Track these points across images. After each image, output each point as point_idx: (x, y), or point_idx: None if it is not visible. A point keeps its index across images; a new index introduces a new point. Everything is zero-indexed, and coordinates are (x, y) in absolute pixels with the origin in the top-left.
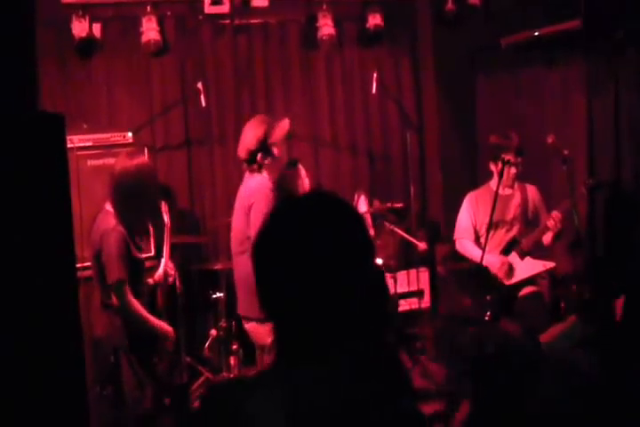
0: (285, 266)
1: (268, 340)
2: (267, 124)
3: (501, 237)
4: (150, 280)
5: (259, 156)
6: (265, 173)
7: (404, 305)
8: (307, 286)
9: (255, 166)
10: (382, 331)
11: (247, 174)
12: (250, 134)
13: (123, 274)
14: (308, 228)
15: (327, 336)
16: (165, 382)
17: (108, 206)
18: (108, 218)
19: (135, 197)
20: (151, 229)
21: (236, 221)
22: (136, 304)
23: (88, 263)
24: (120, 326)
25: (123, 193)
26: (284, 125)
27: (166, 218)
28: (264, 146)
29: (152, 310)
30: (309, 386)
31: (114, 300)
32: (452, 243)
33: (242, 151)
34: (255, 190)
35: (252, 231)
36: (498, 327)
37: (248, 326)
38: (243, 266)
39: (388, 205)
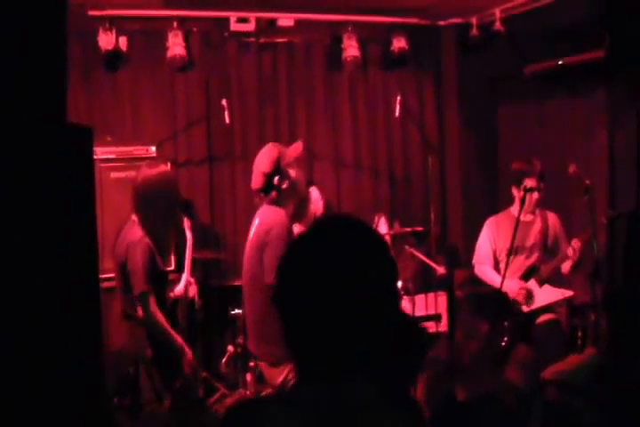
0: (307, 289)
1: (278, 380)
2: (279, 148)
3: (520, 263)
4: (171, 294)
5: (275, 179)
6: (280, 206)
7: None
8: (327, 309)
9: (272, 195)
10: (402, 355)
11: (263, 206)
12: (263, 159)
13: (148, 286)
14: (330, 252)
15: (344, 358)
16: (183, 396)
17: (135, 217)
18: (134, 229)
19: (157, 206)
20: (173, 242)
21: (249, 257)
22: (160, 316)
23: (107, 275)
24: (141, 337)
25: (145, 202)
26: (297, 147)
27: (188, 233)
28: (279, 169)
29: (172, 324)
30: (319, 407)
31: (138, 311)
32: (471, 268)
33: (257, 179)
34: (271, 229)
35: (267, 277)
36: (498, 379)
37: (260, 364)
38: (252, 307)
39: (409, 229)
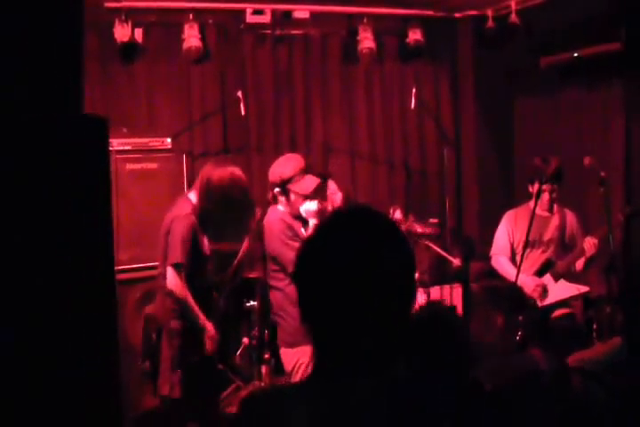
0: (327, 280)
1: (289, 367)
2: (297, 171)
3: (537, 257)
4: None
5: (276, 190)
6: (283, 205)
7: None
8: (346, 301)
9: (271, 196)
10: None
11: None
12: (278, 170)
13: (181, 258)
14: (351, 243)
15: (363, 351)
16: (196, 371)
17: (191, 195)
18: (185, 204)
19: (222, 207)
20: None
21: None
22: (186, 291)
23: (123, 266)
24: (169, 308)
25: (209, 199)
26: (310, 183)
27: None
28: (284, 187)
29: (207, 308)
30: (338, 401)
31: (167, 281)
32: (487, 260)
33: (269, 178)
34: (266, 227)
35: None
36: (525, 356)
37: (281, 351)
38: (273, 298)
39: (424, 221)
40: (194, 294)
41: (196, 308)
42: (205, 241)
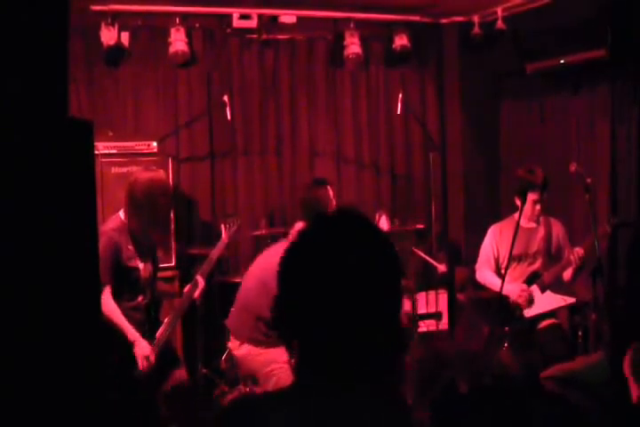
0: (312, 283)
1: (258, 366)
2: None
3: (523, 269)
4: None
5: None
6: None
7: (422, 326)
8: (332, 305)
9: None
10: (396, 357)
11: None
12: None
13: (101, 276)
14: (336, 246)
15: (349, 357)
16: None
17: (121, 213)
18: (108, 221)
19: (145, 209)
20: (173, 241)
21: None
22: (110, 307)
23: None
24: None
25: (134, 203)
26: None
27: (224, 235)
28: None
29: (151, 321)
30: (319, 405)
31: None
32: (473, 271)
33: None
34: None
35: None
36: (496, 359)
37: (242, 350)
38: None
39: (410, 227)
40: (128, 311)
41: (124, 324)
42: (127, 254)
